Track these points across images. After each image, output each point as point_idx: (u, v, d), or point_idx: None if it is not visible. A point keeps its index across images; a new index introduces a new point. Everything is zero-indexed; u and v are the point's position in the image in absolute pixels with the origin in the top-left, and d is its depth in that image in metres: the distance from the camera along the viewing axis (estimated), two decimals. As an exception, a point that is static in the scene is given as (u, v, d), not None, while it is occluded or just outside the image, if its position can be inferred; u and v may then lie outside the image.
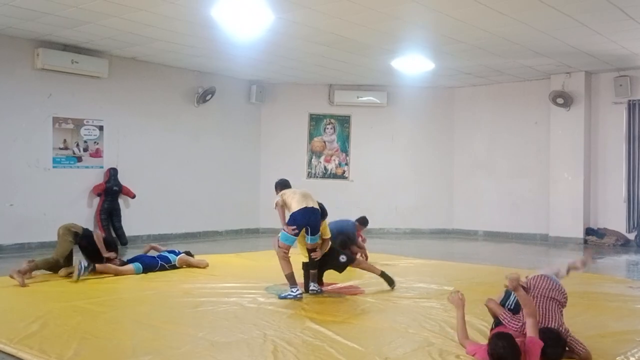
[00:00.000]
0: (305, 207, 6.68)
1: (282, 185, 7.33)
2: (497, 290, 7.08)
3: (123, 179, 11.76)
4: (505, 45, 10.54)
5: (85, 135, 11.45)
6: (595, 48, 10.79)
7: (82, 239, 8.01)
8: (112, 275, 7.88)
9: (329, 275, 8.11)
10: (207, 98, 13.15)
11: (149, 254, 8.78)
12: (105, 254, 7.98)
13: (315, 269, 6.95)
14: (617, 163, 12.78)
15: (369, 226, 10.13)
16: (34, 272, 7.55)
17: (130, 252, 10.76)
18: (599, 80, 12.99)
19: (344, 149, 15.04)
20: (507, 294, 4.85)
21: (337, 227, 8.76)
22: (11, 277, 7.15)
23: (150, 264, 8.34)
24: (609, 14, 8.74)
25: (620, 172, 12.73)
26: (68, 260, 7.93)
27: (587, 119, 12.99)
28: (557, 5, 8.33)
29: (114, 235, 11.44)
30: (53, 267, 7.86)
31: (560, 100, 12.88)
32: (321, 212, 6.97)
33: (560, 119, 13.11)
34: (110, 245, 8.27)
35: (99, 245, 7.97)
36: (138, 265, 8.18)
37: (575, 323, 5.08)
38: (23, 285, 7.04)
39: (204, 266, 8.71)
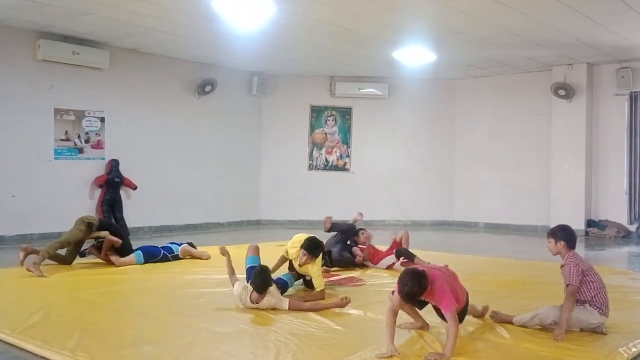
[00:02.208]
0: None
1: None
2: (498, 282, 7.12)
3: (125, 171, 11.76)
4: (507, 36, 10.52)
5: (86, 126, 11.44)
6: (597, 40, 10.77)
7: (100, 229, 7.95)
8: (114, 265, 7.89)
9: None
10: (207, 89, 13.13)
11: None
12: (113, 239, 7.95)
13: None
14: (618, 155, 12.77)
15: (371, 218, 10.10)
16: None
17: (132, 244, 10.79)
18: (601, 72, 12.97)
19: (346, 141, 15.03)
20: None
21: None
22: (29, 270, 7.14)
23: (153, 254, 8.35)
24: (610, 5, 8.71)
25: (622, 164, 12.72)
26: (75, 250, 7.93)
27: (589, 111, 12.97)
28: (559, -4, 8.32)
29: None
30: (62, 259, 7.86)
31: (562, 92, 12.86)
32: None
33: (562, 111, 13.09)
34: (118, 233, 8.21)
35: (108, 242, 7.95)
36: (139, 254, 8.18)
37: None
38: (42, 276, 7.04)
39: (207, 258, 8.72)
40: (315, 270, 6.09)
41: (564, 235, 5.04)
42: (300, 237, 6.27)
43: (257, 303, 5.47)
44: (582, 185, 12.87)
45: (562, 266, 5.02)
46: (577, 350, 4.43)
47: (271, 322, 5.11)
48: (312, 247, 6.06)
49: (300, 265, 6.20)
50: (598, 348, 4.48)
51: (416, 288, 4.29)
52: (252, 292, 5.49)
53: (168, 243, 8.88)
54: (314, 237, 6.22)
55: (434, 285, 4.39)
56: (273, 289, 5.62)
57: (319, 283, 6.08)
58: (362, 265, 8.22)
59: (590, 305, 4.86)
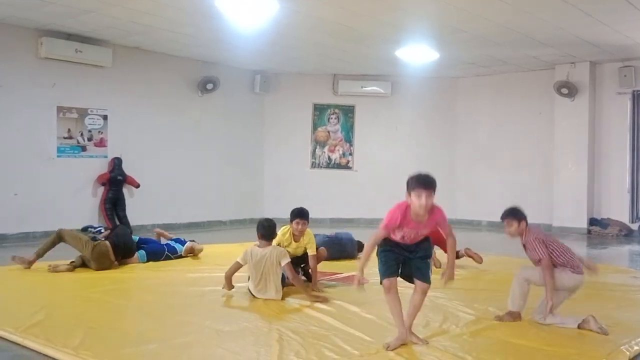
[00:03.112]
0: None
1: None
2: (500, 280, 7.11)
3: (127, 169, 11.78)
4: (509, 35, 10.51)
5: (89, 124, 11.46)
6: (600, 38, 10.76)
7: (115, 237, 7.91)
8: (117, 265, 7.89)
9: (333, 266, 8.13)
10: (209, 87, 13.14)
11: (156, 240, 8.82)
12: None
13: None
14: (621, 153, 12.77)
15: (373, 216, 10.17)
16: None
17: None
18: (603, 71, 12.96)
19: (348, 139, 15.03)
20: None
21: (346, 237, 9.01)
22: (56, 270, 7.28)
23: (156, 252, 8.35)
24: (613, 3, 8.71)
25: (624, 163, 12.72)
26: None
27: (592, 110, 12.97)
28: (562, -6, 8.31)
29: (118, 224, 11.46)
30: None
31: (564, 91, 12.85)
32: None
33: (565, 110, 13.08)
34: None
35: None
36: (142, 253, 8.19)
37: (578, 312, 5.09)
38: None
39: (199, 251, 8.80)
40: (308, 237, 6.50)
41: (522, 214, 5.36)
42: (282, 229, 6.53)
43: (263, 248, 5.91)
44: (584, 183, 12.87)
45: (524, 245, 5.27)
46: (579, 348, 4.44)
47: (274, 320, 5.12)
48: (301, 212, 6.45)
49: (296, 241, 6.48)
50: (600, 346, 4.49)
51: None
52: (257, 242, 5.98)
53: (172, 240, 8.89)
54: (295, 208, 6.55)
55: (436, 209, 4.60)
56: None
57: (313, 248, 6.50)
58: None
59: (561, 267, 5.06)
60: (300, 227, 6.43)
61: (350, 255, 8.74)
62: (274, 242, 6.36)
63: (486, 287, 6.64)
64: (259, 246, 6.01)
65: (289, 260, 5.98)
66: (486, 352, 4.35)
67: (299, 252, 6.60)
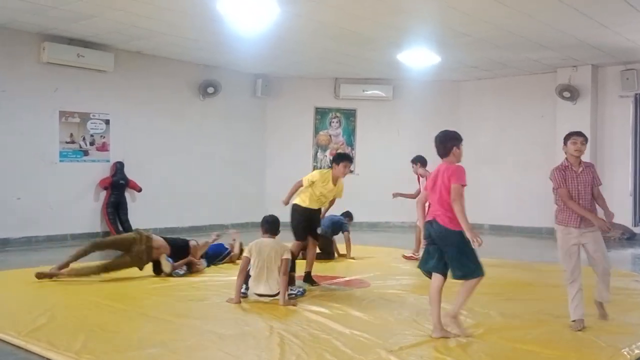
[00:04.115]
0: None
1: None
2: (502, 283, 7.11)
3: (129, 173, 11.80)
4: (511, 38, 10.52)
5: (91, 129, 11.48)
6: (602, 41, 10.76)
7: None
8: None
9: (334, 269, 8.14)
10: (209, 91, 13.15)
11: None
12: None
13: (293, 271, 6.59)
14: (623, 157, 12.74)
15: (375, 220, 10.22)
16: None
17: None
18: (605, 74, 12.95)
19: (350, 143, 15.04)
20: None
21: (331, 220, 9.49)
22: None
23: (214, 254, 8.50)
24: (615, 6, 8.70)
25: (627, 166, 12.70)
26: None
27: (594, 113, 12.95)
28: (563, -2, 8.32)
29: (120, 228, 11.50)
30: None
31: (566, 94, 12.85)
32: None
33: (567, 113, 13.05)
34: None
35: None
36: (204, 262, 8.20)
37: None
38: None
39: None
40: (342, 185, 7.09)
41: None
42: (321, 171, 7.14)
43: (269, 239, 6.15)
44: (586, 186, 12.84)
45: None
46: (580, 351, 4.44)
47: (275, 324, 5.13)
48: (349, 156, 7.38)
49: (334, 184, 6.96)
50: (601, 349, 4.49)
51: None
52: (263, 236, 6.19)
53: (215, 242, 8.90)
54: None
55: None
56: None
57: (341, 194, 7.17)
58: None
59: None
60: (347, 170, 6.88)
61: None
62: (308, 179, 6.85)
63: (487, 291, 6.63)
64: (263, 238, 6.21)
65: (290, 257, 6.12)
66: (487, 356, 4.35)
67: (330, 196, 7.05)
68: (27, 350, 4.41)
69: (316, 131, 14.98)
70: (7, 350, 4.47)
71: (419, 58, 11.92)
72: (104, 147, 11.66)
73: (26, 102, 10.57)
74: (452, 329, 4.77)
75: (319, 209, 7.27)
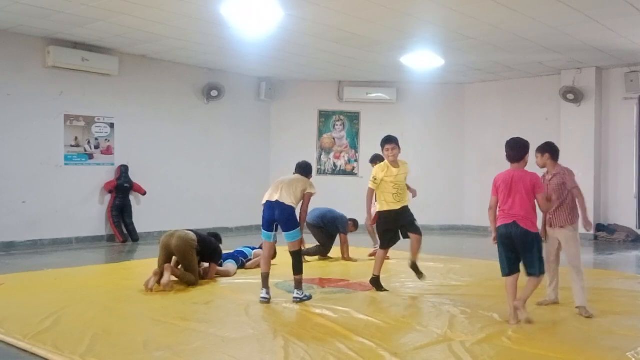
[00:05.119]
0: (268, 201, 6.39)
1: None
2: (505, 287, 7.09)
3: (134, 176, 11.82)
4: (515, 41, 10.51)
5: (96, 132, 11.51)
6: (606, 43, 10.75)
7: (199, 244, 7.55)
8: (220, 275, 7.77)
9: (339, 272, 8.14)
10: (213, 94, 13.17)
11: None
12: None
13: (299, 274, 6.30)
14: (627, 159, 12.72)
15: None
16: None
17: (140, 249, 10.86)
18: (609, 76, 12.94)
19: (354, 146, 15.05)
20: None
21: (332, 214, 9.62)
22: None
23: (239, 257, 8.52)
24: (619, 8, 8.69)
25: (631, 168, 12.68)
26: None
27: (598, 115, 12.94)
28: (566, 0, 8.30)
29: (125, 231, 11.53)
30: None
31: (570, 96, 12.83)
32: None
33: (571, 115, 13.05)
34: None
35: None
36: (232, 262, 8.21)
37: (584, 319, 5.09)
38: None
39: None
40: (406, 166, 7.21)
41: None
42: (376, 166, 7.23)
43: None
44: (591, 189, 12.80)
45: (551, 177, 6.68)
46: (585, 353, 4.44)
47: (279, 327, 5.14)
48: (389, 137, 7.17)
49: (395, 167, 6.97)
50: (607, 352, 4.49)
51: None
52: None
53: (242, 247, 8.91)
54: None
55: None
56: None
57: (406, 175, 7.17)
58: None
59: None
60: (391, 152, 6.84)
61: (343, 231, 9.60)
62: (371, 179, 6.94)
63: (491, 293, 6.63)
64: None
65: (314, 192, 6.56)
66: (491, 358, 4.35)
67: (401, 178, 6.98)
68: (32, 354, 4.43)
69: (320, 134, 14.99)
70: (13, 353, 4.50)
71: (423, 61, 11.93)
72: (108, 151, 11.68)
73: (31, 105, 10.61)
74: (520, 315, 5.30)
75: (402, 208, 7.10)
